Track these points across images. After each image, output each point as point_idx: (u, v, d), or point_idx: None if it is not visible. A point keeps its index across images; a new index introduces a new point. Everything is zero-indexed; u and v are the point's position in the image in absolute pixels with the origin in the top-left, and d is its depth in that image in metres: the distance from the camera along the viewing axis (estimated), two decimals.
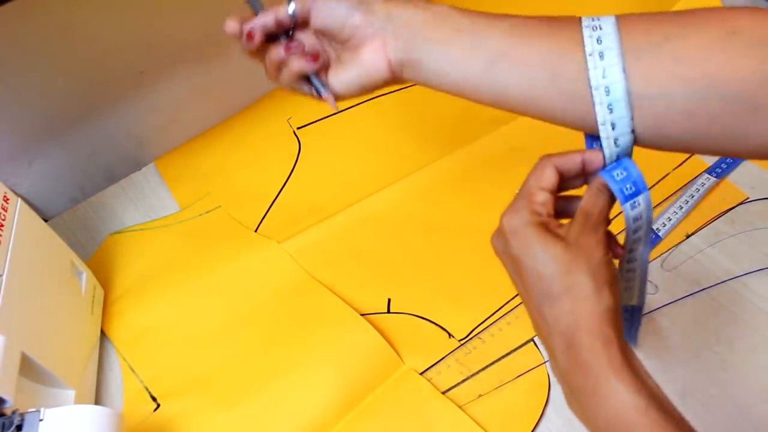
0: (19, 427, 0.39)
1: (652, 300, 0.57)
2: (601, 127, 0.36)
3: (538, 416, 0.51)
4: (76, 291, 0.53)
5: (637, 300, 0.42)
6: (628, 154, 0.37)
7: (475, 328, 0.56)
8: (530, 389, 0.53)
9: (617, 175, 0.36)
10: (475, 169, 0.67)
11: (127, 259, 0.61)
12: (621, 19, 0.36)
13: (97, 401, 0.53)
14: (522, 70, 0.37)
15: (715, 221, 0.62)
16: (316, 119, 0.72)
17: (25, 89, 0.56)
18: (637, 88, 0.35)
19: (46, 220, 0.65)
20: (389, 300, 0.58)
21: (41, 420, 0.39)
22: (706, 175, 0.64)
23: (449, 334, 0.56)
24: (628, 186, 0.36)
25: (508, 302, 0.58)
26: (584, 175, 0.38)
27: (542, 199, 0.37)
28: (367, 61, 0.41)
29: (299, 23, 0.42)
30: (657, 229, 0.61)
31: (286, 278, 0.59)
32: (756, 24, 0.33)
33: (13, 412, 0.40)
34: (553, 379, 0.53)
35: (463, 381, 0.53)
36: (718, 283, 0.57)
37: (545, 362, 0.54)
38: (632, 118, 0.35)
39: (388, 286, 0.59)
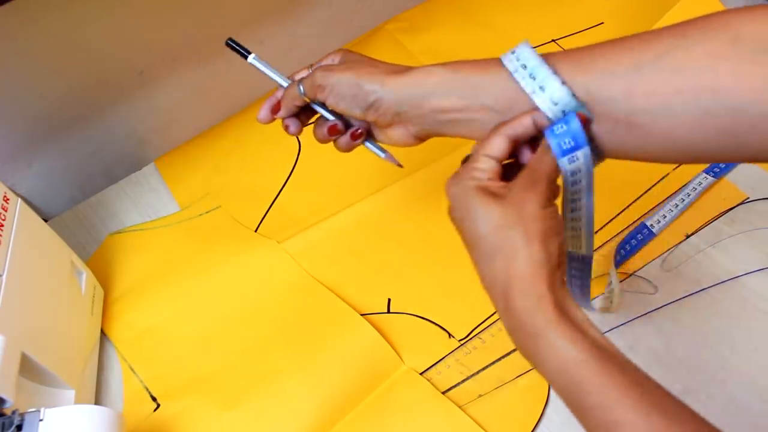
0: (19, 427, 0.39)
1: (652, 300, 0.57)
2: (532, 96, 0.36)
3: (538, 416, 0.51)
4: (76, 291, 0.53)
5: (586, 250, 0.41)
6: (579, 109, 0.36)
7: (475, 328, 0.56)
8: (530, 389, 0.53)
9: (557, 129, 0.36)
10: None
11: (127, 259, 0.61)
12: (623, 39, 0.35)
13: (97, 401, 0.53)
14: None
15: (715, 221, 0.62)
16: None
17: (25, 89, 0.56)
18: (640, 104, 0.34)
19: (46, 220, 0.65)
20: (389, 300, 0.58)
21: (41, 420, 0.39)
22: (704, 175, 0.64)
23: (449, 334, 0.56)
24: (567, 140, 0.35)
25: None
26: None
27: (484, 165, 0.37)
28: (395, 137, 0.44)
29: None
30: (651, 225, 0.61)
31: (286, 278, 0.59)
32: (759, 28, 0.32)
33: (13, 412, 0.40)
34: None
35: (463, 381, 0.53)
36: (718, 283, 0.57)
37: None
38: (555, 72, 0.36)
39: (388, 286, 0.59)
